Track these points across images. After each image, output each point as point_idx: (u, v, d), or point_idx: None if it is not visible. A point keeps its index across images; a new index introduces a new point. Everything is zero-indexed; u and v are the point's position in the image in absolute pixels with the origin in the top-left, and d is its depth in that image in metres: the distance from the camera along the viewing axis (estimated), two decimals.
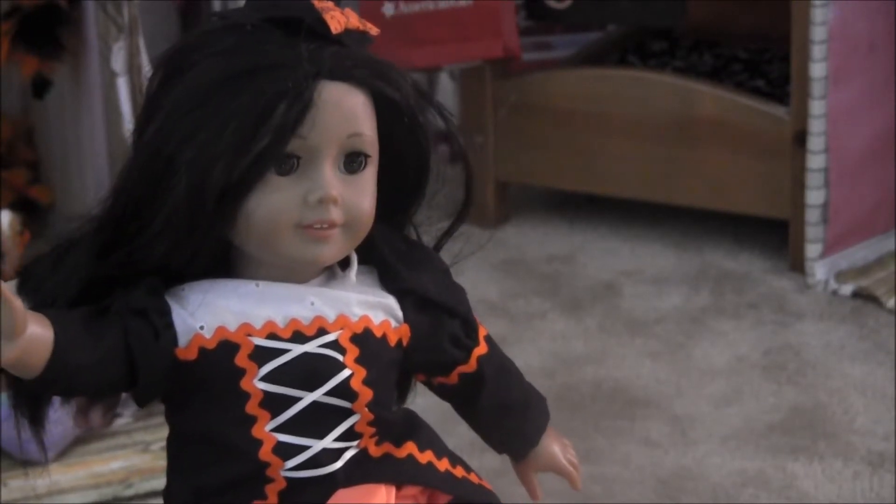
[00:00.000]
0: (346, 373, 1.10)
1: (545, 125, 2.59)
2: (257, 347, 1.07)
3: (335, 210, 1.06)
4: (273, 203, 1.04)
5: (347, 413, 1.11)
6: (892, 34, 2.36)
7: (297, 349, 1.08)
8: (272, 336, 1.07)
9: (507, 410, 1.26)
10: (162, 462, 1.75)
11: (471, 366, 1.21)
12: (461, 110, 2.67)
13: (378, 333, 1.12)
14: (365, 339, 1.11)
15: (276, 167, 1.04)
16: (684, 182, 2.51)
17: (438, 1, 2.52)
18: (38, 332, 1.01)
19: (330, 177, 1.05)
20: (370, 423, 1.13)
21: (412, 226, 1.21)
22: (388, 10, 2.52)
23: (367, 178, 1.09)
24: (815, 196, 2.35)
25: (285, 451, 1.09)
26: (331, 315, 1.10)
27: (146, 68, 2.01)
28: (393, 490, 1.14)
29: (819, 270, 2.38)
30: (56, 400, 1.12)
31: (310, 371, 1.08)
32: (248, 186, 1.04)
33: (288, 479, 1.09)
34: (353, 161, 1.07)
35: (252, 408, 1.08)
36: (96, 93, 2.08)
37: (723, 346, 2.23)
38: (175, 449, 1.16)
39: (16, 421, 1.10)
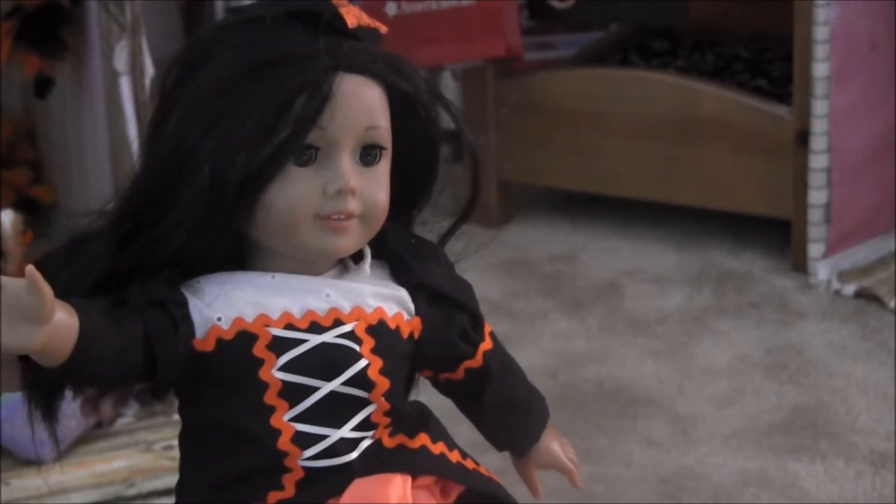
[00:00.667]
0: (362, 363, 1.11)
1: (547, 125, 2.59)
2: (275, 338, 1.08)
3: (353, 201, 1.06)
4: (292, 194, 1.05)
5: (364, 403, 1.12)
6: (893, 34, 2.36)
7: (314, 339, 1.08)
8: (289, 326, 1.08)
9: (510, 407, 1.27)
10: (164, 461, 1.75)
11: (477, 361, 1.22)
12: (463, 110, 2.67)
13: (392, 325, 1.13)
14: (380, 331, 1.12)
15: (296, 158, 1.04)
16: (686, 181, 2.51)
17: (441, 0, 2.52)
18: (64, 319, 1.01)
19: (348, 168, 1.06)
20: (386, 413, 1.13)
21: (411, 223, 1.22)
22: (391, 9, 2.52)
23: (382, 171, 1.10)
24: (817, 196, 2.35)
25: (304, 441, 1.09)
26: (346, 306, 1.10)
27: (149, 68, 2.02)
28: (408, 479, 1.15)
29: (821, 270, 2.38)
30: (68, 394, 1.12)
31: (327, 361, 1.09)
32: (268, 177, 1.04)
33: (305, 469, 1.10)
34: (368, 153, 1.08)
35: (270, 398, 1.08)
36: (98, 92, 2.08)
37: (724, 345, 2.23)
38: (189, 442, 1.16)
39: (29, 414, 1.10)
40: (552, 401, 1.32)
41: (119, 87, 2.03)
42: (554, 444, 1.30)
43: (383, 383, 1.12)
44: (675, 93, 2.49)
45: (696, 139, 2.47)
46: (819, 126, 2.32)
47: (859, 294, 2.34)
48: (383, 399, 1.12)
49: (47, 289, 0.99)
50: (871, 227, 2.43)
